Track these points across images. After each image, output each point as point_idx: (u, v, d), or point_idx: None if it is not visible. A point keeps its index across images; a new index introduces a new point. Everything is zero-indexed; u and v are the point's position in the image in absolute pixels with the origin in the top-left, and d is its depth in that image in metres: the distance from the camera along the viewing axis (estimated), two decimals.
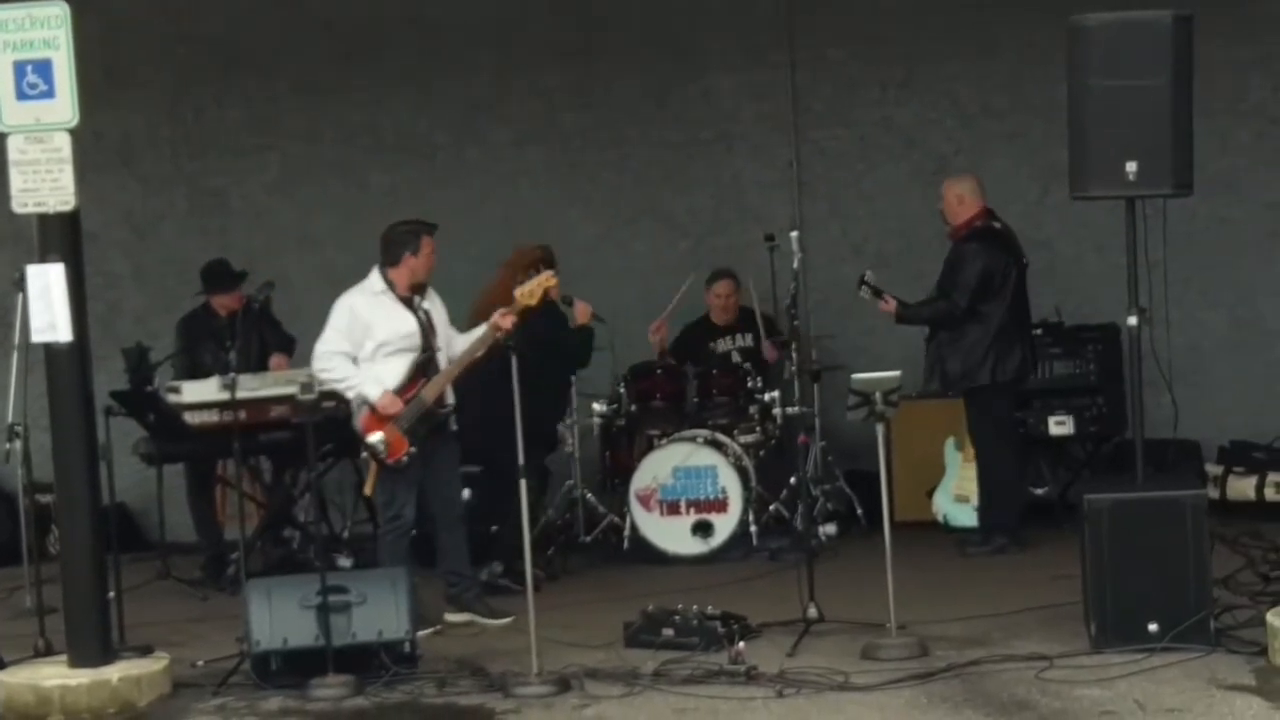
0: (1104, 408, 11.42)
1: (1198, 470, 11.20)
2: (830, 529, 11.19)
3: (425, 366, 9.21)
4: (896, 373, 8.48)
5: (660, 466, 11.03)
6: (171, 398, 10.49)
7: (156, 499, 10.68)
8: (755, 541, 10.95)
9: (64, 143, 8.14)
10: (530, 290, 9.17)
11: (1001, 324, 10.48)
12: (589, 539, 11.37)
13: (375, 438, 9.10)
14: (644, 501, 11.05)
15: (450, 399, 9.31)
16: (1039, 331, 11.19)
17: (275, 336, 11.02)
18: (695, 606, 8.52)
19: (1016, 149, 12.09)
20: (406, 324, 9.20)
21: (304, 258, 12.60)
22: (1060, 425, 11.41)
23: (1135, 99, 8.08)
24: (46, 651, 8.64)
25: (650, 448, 11.24)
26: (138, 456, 10.72)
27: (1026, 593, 9.07)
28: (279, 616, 8.16)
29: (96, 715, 8.03)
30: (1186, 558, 7.87)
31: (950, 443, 11.29)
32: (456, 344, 9.34)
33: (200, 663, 8.61)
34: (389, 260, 9.25)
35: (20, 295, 8.90)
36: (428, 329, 9.24)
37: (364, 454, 9.30)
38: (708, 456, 11.00)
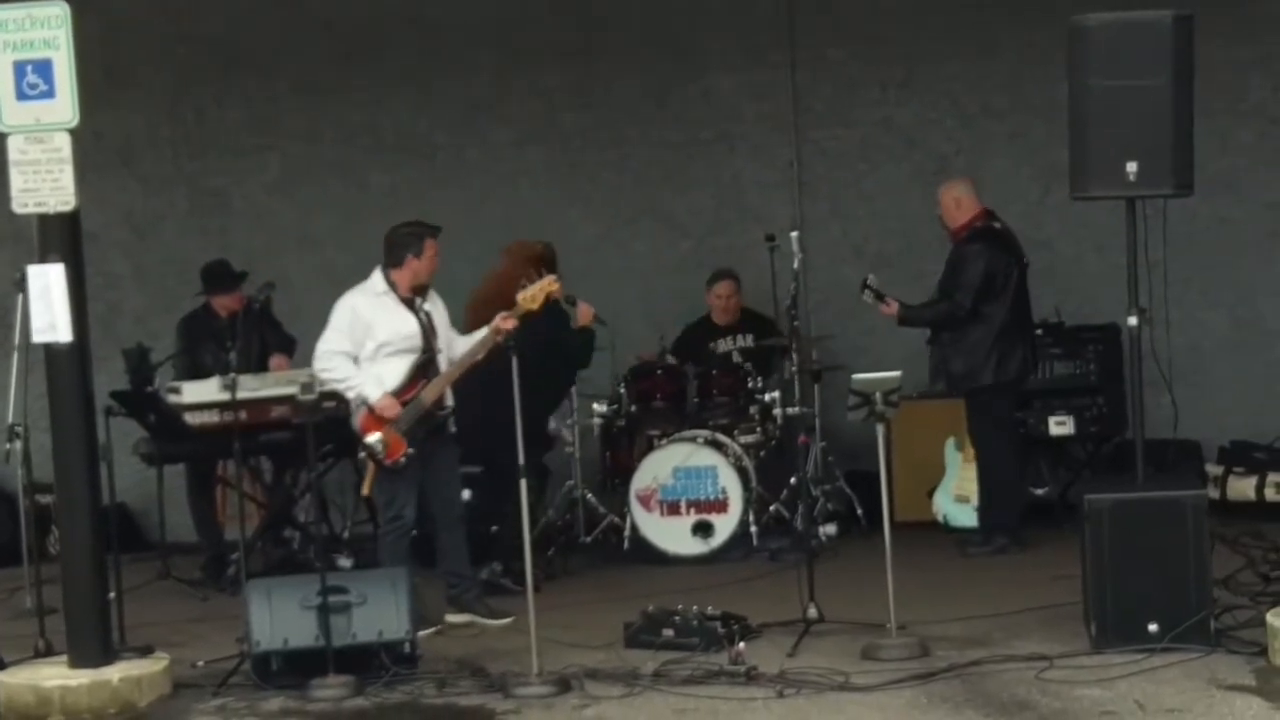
0: (1104, 408, 11.43)
1: (1198, 470, 11.19)
2: (830, 529, 11.19)
3: (426, 368, 9.21)
4: (897, 373, 8.48)
5: (660, 467, 11.03)
6: (172, 398, 10.49)
7: (157, 499, 10.68)
8: (755, 542, 10.95)
9: (64, 143, 8.14)
10: (532, 295, 9.17)
11: (1004, 324, 10.48)
12: (589, 539, 11.37)
13: (373, 438, 9.11)
14: (644, 502, 11.05)
15: (450, 401, 9.31)
16: (1039, 332, 11.19)
17: (276, 337, 11.02)
18: (695, 607, 8.52)
19: (1017, 149, 12.09)
20: (408, 325, 9.20)
21: (304, 258, 12.60)
22: (1061, 425, 11.41)
23: (1135, 99, 8.08)
24: (47, 652, 8.64)
25: (650, 448, 11.24)
26: (138, 457, 10.72)
27: (1027, 593, 9.07)
28: (279, 617, 8.16)
29: (97, 716, 8.04)
30: (1187, 558, 7.87)
31: (950, 443, 11.29)
32: (457, 346, 9.34)
33: (201, 663, 8.61)
34: (391, 261, 9.25)
35: (20, 295, 8.91)
36: (429, 330, 9.24)
37: (362, 454, 9.30)
38: (708, 457, 11.00)
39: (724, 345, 11.86)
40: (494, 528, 10.14)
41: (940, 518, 11.31)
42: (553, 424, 11.11)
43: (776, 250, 10.98)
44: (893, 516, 8.59)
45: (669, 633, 8.47)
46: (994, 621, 8.67)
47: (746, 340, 11.80)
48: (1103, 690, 7.40)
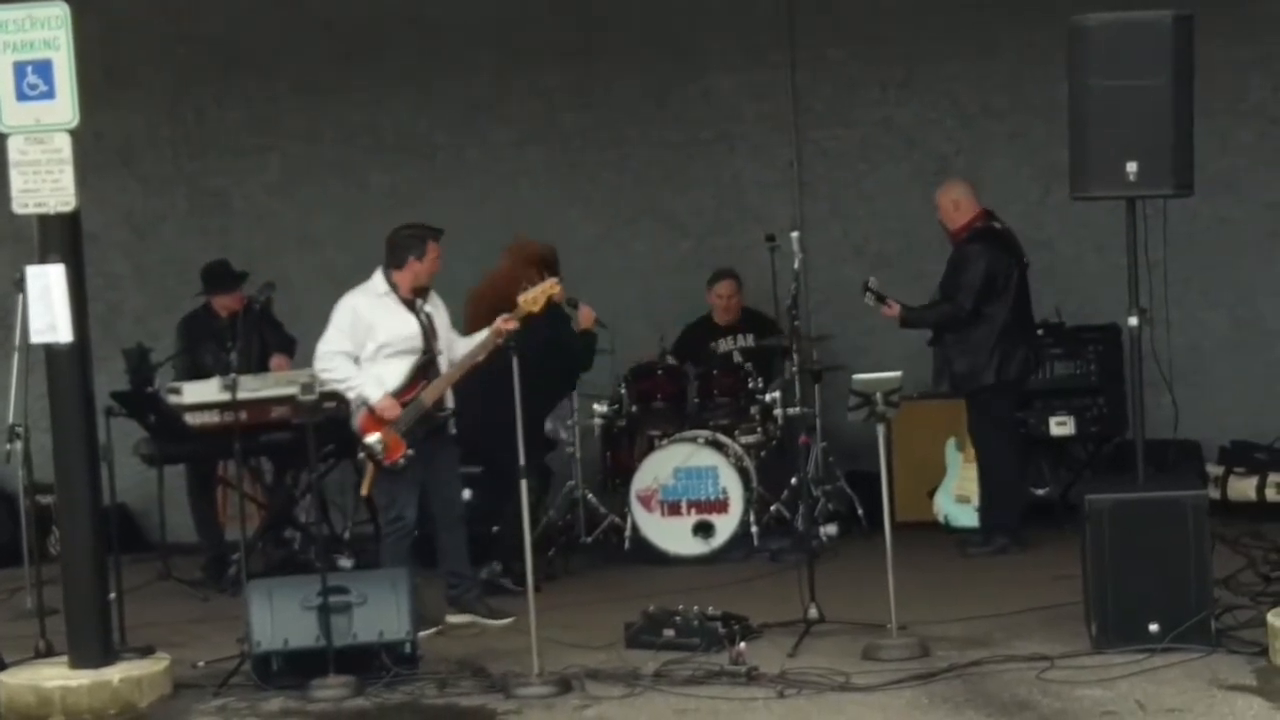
0: (1105, 408, 11.43)
1: (1198, 470, 11.19)
2: (831, 529, 11.19)
3: (426, 369, 9.21)
4: (897, 373, 8.48)
5: (661, 467, 11.03)
6: (172, 398, 10.49)
7: (157, 500, 10.68)
8: (756, 542, 10.95)
9: (64, 143, 8.14)
10: (534, 297, 9.17)
11: (1005, 324, 10.48)
12: (590, 539, 11.37)
13: (373, 438, 9.11)
14: (645, 502, 11.05)
15: (450, 402, 9.31)
16: (1040, 332, 11.18)
17: (276, 337, 11.02)
18: (696, 607, 8.52)
19: (1017, 149, 12.09)
20: (408, 326, 9.20)
21: (304, 258, 12.60)
22: (1061, 426, 11.41)
23: (1136, 99, 8.08)
24: (47, 652, 8.64)
25: (651, 448, 11.24)
26: (138, 457, 10.72)
27: (1027, 593, 9.07)
28: (280, 617, 8.16)
29: (97, 716, 8.04)
30: (1187, 558, 7.87)
31: (951, 443, 11.29)
32: (458, 347, 9.35)
33: (201, 663, 8.61)
34: (393, 263, 9.25)
35: (21, 296, 8.90)
36: (429, 331, 9.24)
37: (361, 455, 9.30)
38: (709, 457, 11.00)
39: (725, 345, 11.86)
40: (494, 528, 10.13)
41: (941, 518, 11.31)
42: (549, 425, 11.11)
43: (777, 250, 10.98)
44: (893, 517, 8.59)
45: (670, 633, 8.47)
46: (995, 622, 8.67)
47: (747, 340, 11.80)
48: (1103, 690, 7.40)
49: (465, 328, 9.69)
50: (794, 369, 10.57)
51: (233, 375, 9.88)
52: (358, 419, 9.17)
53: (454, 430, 9.35)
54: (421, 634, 8.54)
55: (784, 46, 12.36)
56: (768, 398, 11.25)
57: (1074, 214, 11.07)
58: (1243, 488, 11.28)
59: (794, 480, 10.87)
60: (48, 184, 8.12)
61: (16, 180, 8.16)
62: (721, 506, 10.95)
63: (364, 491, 9.60)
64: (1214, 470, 11.36)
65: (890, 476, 8.78)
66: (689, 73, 12.55)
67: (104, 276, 12.22)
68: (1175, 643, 7.76)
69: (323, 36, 12.71)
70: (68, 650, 8.32)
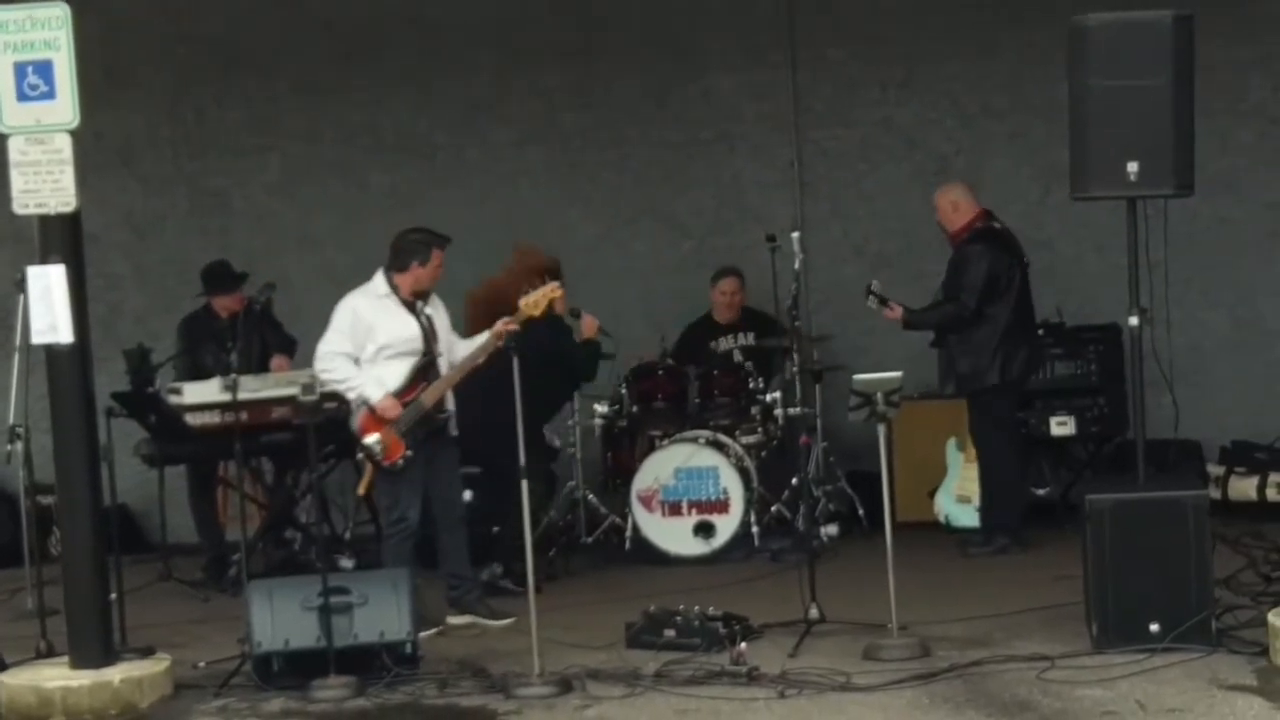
0: (1105, 408, 11.43)
1: (1199, 470, 11.19)
2: (832, 529, 11.19)
3: (426, 371, 9.21)
4: (898, 373, 8.48)
5: (662, 467, 11.03)
6: (173, 399, 10.49)
7: (158, 500, 10.70)
8: (757, 542, 10.95)
9: (65, 144, 8.14)
10: (535, 301, 9.18)
11: (1008, 324, 10.48)
12: (590, 540, 11.37)
13: (372, 439, 9.11)
14: (645, 502, 11.05)
15: (450, 404, 9.31)
16: (1040, 332, 11.18)
17: (276, 338, 11.02)
18: (697, 607, 8.51)
19: (1017, 149, 12.10)
20: (409, 328, 9.20)
21: (304, 259, 12.60)
22: (1062, 425, 11.41)
23: (1136, 99, 8.08)
24: (48, 653, 8.64)
25: (652, 448, 11.24)
26: (139, 458, 10.72)
27: (1028, 593, 9.07)
28: (280, 618, 8.16)
29: (98, 716, 8.04)
30: (1188, 558, 7.87)
31: (952, 443, 11.29)
32: (458, 350, 9.35)
33: (202, 664, 8.61)
34: (396, 265, 9.25)
35: (21, 297, 8.90)
36: (430, 333, 9.24)
37: (360, 455, 9.31)
38: (709, 457, 11.00)
39: (725, 343, 11.86)
40: (495, 529, 10.13)
41: (942, 518, 11.31)
42: (546, 434, 11.11)
43: (777, 250, 10.97)
44: (894, 517, 8.59)
45: (670, 633, 8.47)
46: (995, 622, 8.67)
47: (748, 338, 11.80)
48: (1104, 690, 7.40)
49: (465, 330, 9.69)
50: (794, 369, 10.57)
51: (233, 376, 9.88)
52: (357, 419, 9.17)
53: (455, 432, 9.35)
54: (422, 634, 8.53)
55: (784, 46, 12.37)
56: (768, 398, 11.26)
57: (1074, 214, 11.07)
58: (1243, 488, 11.28)
59: (795, 480, 10.87)
60: (48, 184, 8.12)
61: (17, 181, 8.16)
62: (722, 507, 10.95)
63: (360, 491, 9.61)
64: (1214, 470, 11.37)
65: (891, 476, 8.78)
66: (689, 73, 12.55)
67: (104, 277, 12.23)
68: (1176, 643, 7.76)
69: (323, 36, 12.71)
70: (68, 651, 8.31)
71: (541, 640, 7.98)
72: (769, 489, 11.17)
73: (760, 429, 11.28)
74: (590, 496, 11.45)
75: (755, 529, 10.97)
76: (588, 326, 10.50)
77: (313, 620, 8.14)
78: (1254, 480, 11.26)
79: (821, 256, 12.04)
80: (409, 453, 9.10)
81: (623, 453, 11.46)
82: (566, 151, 12.71)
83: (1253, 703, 7.15)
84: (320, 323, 9.31)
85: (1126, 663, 7.67)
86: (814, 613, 8.65)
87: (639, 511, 11.06)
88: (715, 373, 11.46)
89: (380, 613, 8.20)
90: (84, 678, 8.14)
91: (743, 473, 10.97)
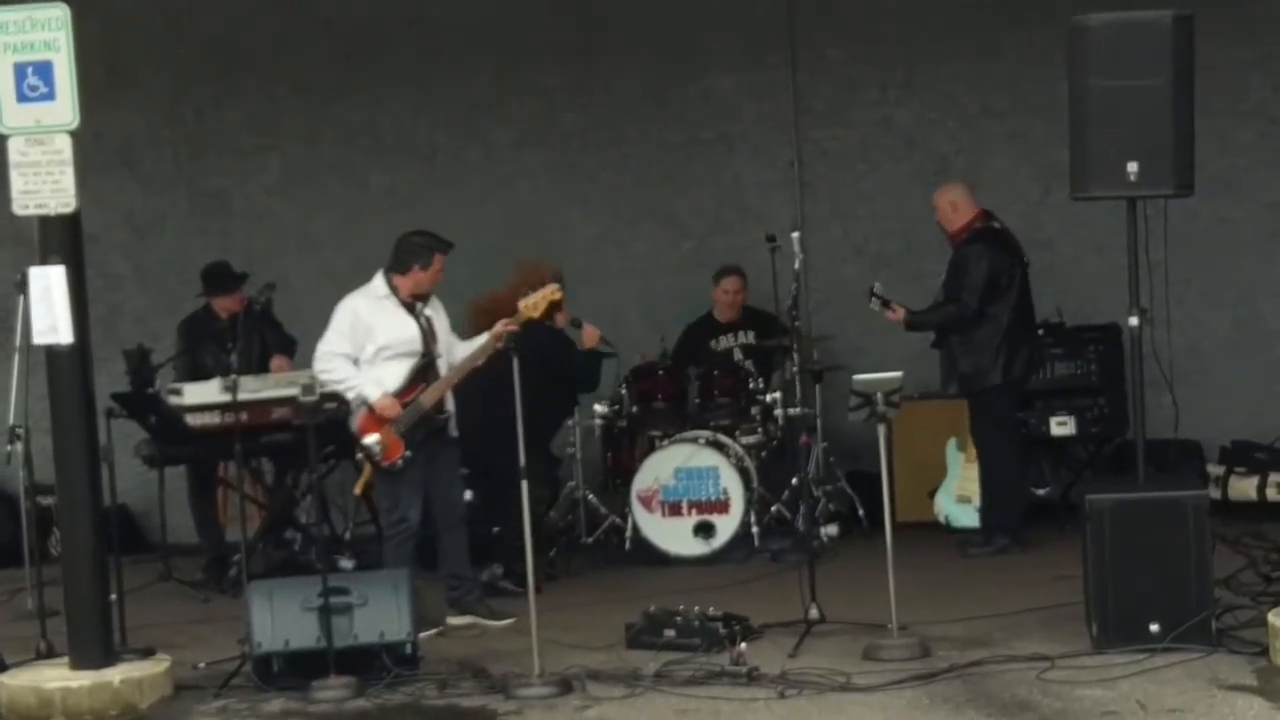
0: (1105, 408, 11.42)
1: (1199, 470, 11.19)
2: (832, 530, 11.19)
3: (425, 372, 9.21)
4: (898, 373, 8.47)
5: (662, 467, 11.03)
6: (173, 399, 10.48)
7: (158, 501, 10.70)
8: (757, 542, 10.95)
9: (65, 145, 8.14)
10: (534, 303, 9.18)
11: (1009, 324, 10.48)
12: (590, 540, 11.37)
13: (371, 439, 9.11)
14: (645, 502, 11.05)
15: (450, 405, 9.30)
16: (1040, 332, 11.18)
17: (276, 338, 11.02)
18: (697, 607, 8.52)
19: (1017, 149, 12.10)
20: (408, 329, 9.20)
21: (304, 259, 12.60)
22: (1062, 426, 11.41)
23: (1136, 99, 8.08)
24: (48, 654, 8.63)
25: (652, 449, 11.24)
26: (139, 458, 10.72)
27: (1028, 593, 9.07)
28: (281, 618, 8.16)
29: (98, 717, 8.04)
30: (1188, 558, 7.87)
31: (952, 443, 11.29)
32: (457, 351, 9.35)
33: (202, 665, 8.61)
34: (397, 267, 9.25)
35: (22, 297, 8.90)
36: (429, 335, 9.24)
37: (359, 455, 9.31)
38: (709, 457, 11.00)
39: (725, 341, 11.86)
40: (495, 529, 10.13)
41: (942, 518, 11.31)
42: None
43: (777, 251, 10.97)
44: (894, 517, 8.59)
45: (670, 633, 8.47)
46: (995, 622, 8.67)
47: (748, 337, 11.80)
48: (1104, 690, 7.40)
49: (468, 337, 9.67)
50: (794, 369, 10.56)
51: (233, 376, 9.88)
52: (357, 420, 9.17)
53: (455, 433, 9.35)
54: (422, 635, 8.53)
55: (784, 47, 12.37)
56: (768, 398, 11.25)
57: (1074, 214, 11.07)
58: (1243, 487, 11.28)
59: (795, 481, 10.87)
60: (48, 185, 8.12)
61: (17, 181, 8.16)
62: (722, 507, 10.95)
63: (357, 491, 9.62)
64: (1214, 470, 11.37)
65: (891, 477, 8.77)
66: (689, 73, 12.55)
67: (105, 278, 12.22)
68: (1176, 643, 7.76)
69: (323, 36, 12.71)
70: (68, 651, 8.31)
71: (541, 641, 7.98)
72: (769, 489, 11.17)
73: (760, 429, 11.28)
74: (590, 497, 11.45)
75: (755, 529, 10.97)
76: (589, 337, 10.52)
77: (313, 621, 8.14)
78: (1254, 480, 11.26)
79: (821, 257, 12.04)
80: (408, 453, 9.10)
81: (623, 453, 11.46)
82: (566, 152, 12.71)
83: (1253, 703, 7.15)
84: (320, 323, 9.31)
85: (1126, 663, 7.67)
86: (814, 613, 8.65)
87: (639, 512, 11.06)
88: (715, 373, 11.45)
89: (380, 613, 8.20)
90: (84, 678, 8.14)
91: (743, 473, 10.97)
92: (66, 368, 8.22)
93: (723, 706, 7.56)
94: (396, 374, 9.15)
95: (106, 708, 8.06)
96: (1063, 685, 7.51)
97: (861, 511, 11.39)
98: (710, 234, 12.54)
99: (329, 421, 9.21)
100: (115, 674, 8.17)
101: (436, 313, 9.34)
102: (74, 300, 8.15)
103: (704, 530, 10.96)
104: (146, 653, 8.49)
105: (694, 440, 11.12)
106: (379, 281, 9.26)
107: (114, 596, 8.56)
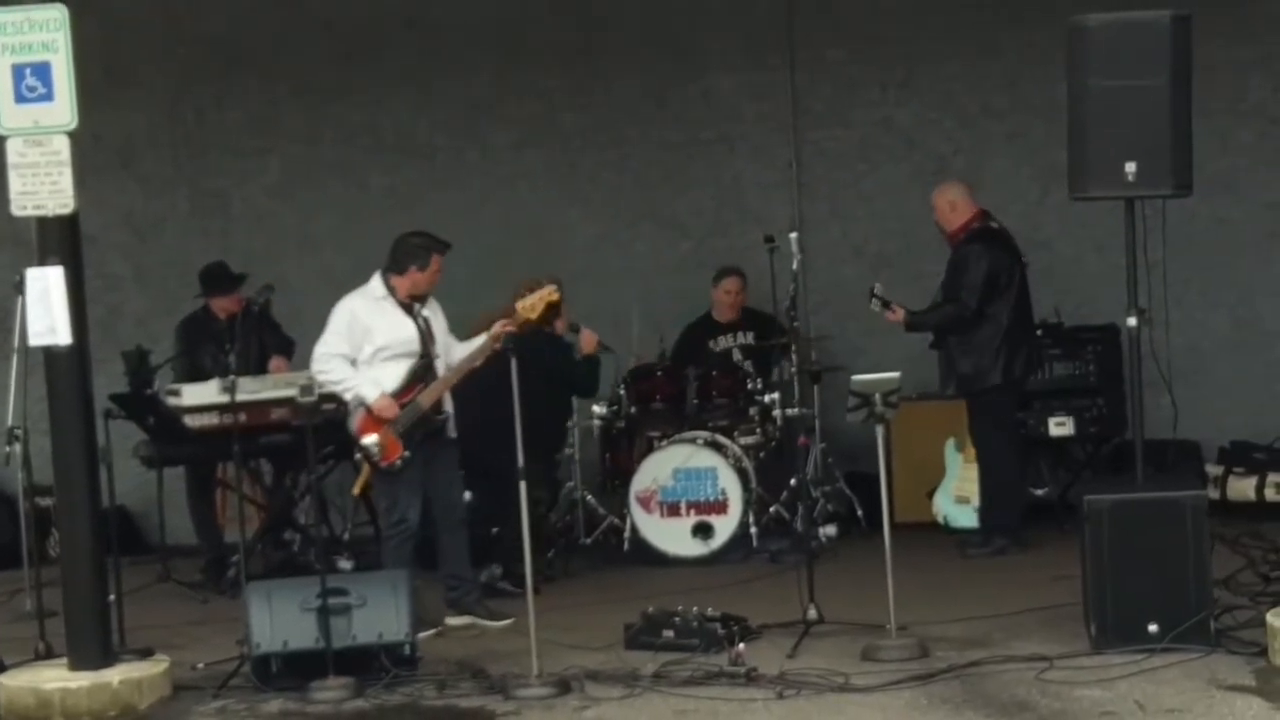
0: (1104, 408, 11.42)
1: (1198, 471, 11.19)
2: (830, 530, 11.19)
3: (423, 372, 9.21)
4: (896, 374, 8.47)
5: (660, 468, 11.03)
6: (171, 400, 10.48)
7: (157, 502, 10.69)
8: (755, 543, 10.95)
9: (63, 146, 8.13)
10: (532, 304, 9.18)
11: (1009, 324, 10.47)
12: (589, 541, 11.37)
13: (370, 440, 9.11)
14: (644, 503, 11.05)
15: (448, 406, 9.30)
16: (1039, 332, 11.18)
17: (275, 339, 11.01)
18: (695, 608, 8.52)
19: (1016, 149, 12.09)
20: (406, 330, 9.20)
21: (304, 260, 12.59)
22: (1060, 426, 11.40)
23: (1134, 99, 8.08)
24: (47, 654, 8.63)
25: (650, 449, 11.24)
26: (138, 459, 10.71)
27: (1027, 594, 9.07)
28: (279, 619, 8.16)
29: (97, 718, 8.04)
30: (1187, 558, 7.87)
31: (950, 444, 11.28)
32: (455, 352, 9.35)
33: (201, 665, 8.61)
34: (394, 267, 9.25)
35: (20, 299, 8.89)
36: (427, 335, 9.24)
37: (358, 456, 9.30)
38: (708, 458, 10.99)
39: (724, 342, 11.86)
40: (494, 530, 10.13)
41: (940, 519, 11.31)
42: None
43: (776, 251, 10.98)
44: (892, 517, 8.58)
45: (669, 634, 8.47)
46: (994, 622, 8.67)
47: (747, 338, 11.80)
48: (1103, 691, 7.40)
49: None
50: (793, 370, 10.55)
51: (232, 377, 9.89)
52: (355, 421, 9.17)
53: (453, 434, 9.35)
54: (421, 635, 8.54)
55: (783, 47, 12.36)
56: (767, 399, 11.25)
57: (1073, 214, 11.07)
58: (1242, 488, 11.28)
59: (793, 481, 10.87)
60: (46, 186, 8.12)
61: (15, 182, 8.15)
62: (720, 507, 10.94)
63: (355, 491, 9.62)
64: (1213, 470, 11.36)
65: (889, 477, 8.77)
66: (689, 73, 12.55)
67: (104, 279, 12.21)
68: (1174, 643, 7.76)
69: (323, 36, 12.71)
70: (67, 652, 8.31)
71: (540, 641, 7.99)
72: (767, 490, 11.16)
73: (759, 430, 11.27)
74: (589, 497, 11.44)
75: (754, 530, 10.97)
76: (587, 342, 10.53)
77: (311, 621, 8.14)
78: (1252, 480, 11.25)
79: (820, 257, 12.03)
80: (406, 454, 9.10)
81: (621, 454, 11.46)
82: (566, 152, 12.71)
83: (1251, 703, 7.15)
84: (319, 325, 9.31)
85: (1125, 663, 7.67)
86: (812, 613, 8.65)
87: (637, 512, 11.05)
88: (714, 374, 11.45)
89: (379, 614, 8.20)
90: (83, 679, 8.13)
91: (741, 473, 10.97)
92: (65, 369, 8.22)
93: (721, 707, 7.56)
94: (394, 375, 9.15)
95: (105, 708, 8.05)
96: (1061, 686, 7.51)
97: (860, 512, 11.39)
98: (710, 234, 12.54)
99: (327, 422, 9.22)
100: (114, 675, 8.16)
101: (434, 313, 9.34)
102: (72, 301, 8.14)
103: (702, 531, 10.96)
104: (145, 653, 8.49)
105: (692, 441, 11.11)
106: (376, 282, 9.26)
107: (113, 597, 8.57)
